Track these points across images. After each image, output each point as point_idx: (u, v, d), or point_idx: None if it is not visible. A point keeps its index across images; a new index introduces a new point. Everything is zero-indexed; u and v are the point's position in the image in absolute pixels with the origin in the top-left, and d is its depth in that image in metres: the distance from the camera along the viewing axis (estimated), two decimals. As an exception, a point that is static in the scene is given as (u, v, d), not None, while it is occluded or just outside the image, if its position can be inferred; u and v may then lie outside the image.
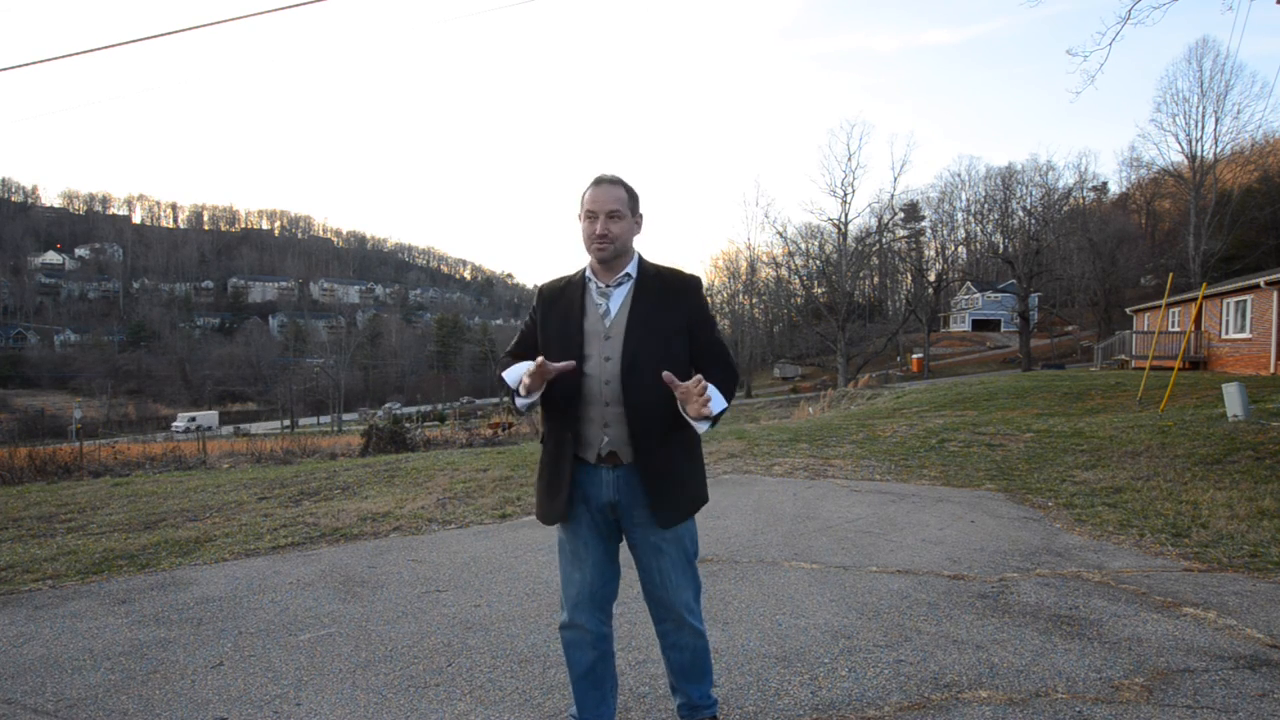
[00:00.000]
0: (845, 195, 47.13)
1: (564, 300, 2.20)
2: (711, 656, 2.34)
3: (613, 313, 2.14)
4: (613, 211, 2.10)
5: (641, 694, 2.68)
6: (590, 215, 2.11)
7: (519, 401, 2.10)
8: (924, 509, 5.76)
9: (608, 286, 2.16)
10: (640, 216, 2.22)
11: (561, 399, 2.12)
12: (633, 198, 2.17)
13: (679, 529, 2.16)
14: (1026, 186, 55.67)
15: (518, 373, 2.11)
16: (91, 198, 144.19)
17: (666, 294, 2.16)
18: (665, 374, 1.96)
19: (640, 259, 2.21)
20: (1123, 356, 25.36)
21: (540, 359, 1.99)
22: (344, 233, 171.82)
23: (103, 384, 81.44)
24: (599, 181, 2.14)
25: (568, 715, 2.45)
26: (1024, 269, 45.34)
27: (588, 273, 2.21)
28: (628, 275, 2.17)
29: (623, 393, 2.08)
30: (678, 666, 2.25)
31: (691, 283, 2.20)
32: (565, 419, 2.13)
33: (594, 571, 2.17)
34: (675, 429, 2.11)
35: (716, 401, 2.02)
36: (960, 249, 71.09)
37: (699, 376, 1.96)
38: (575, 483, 2.14)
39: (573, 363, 2.06)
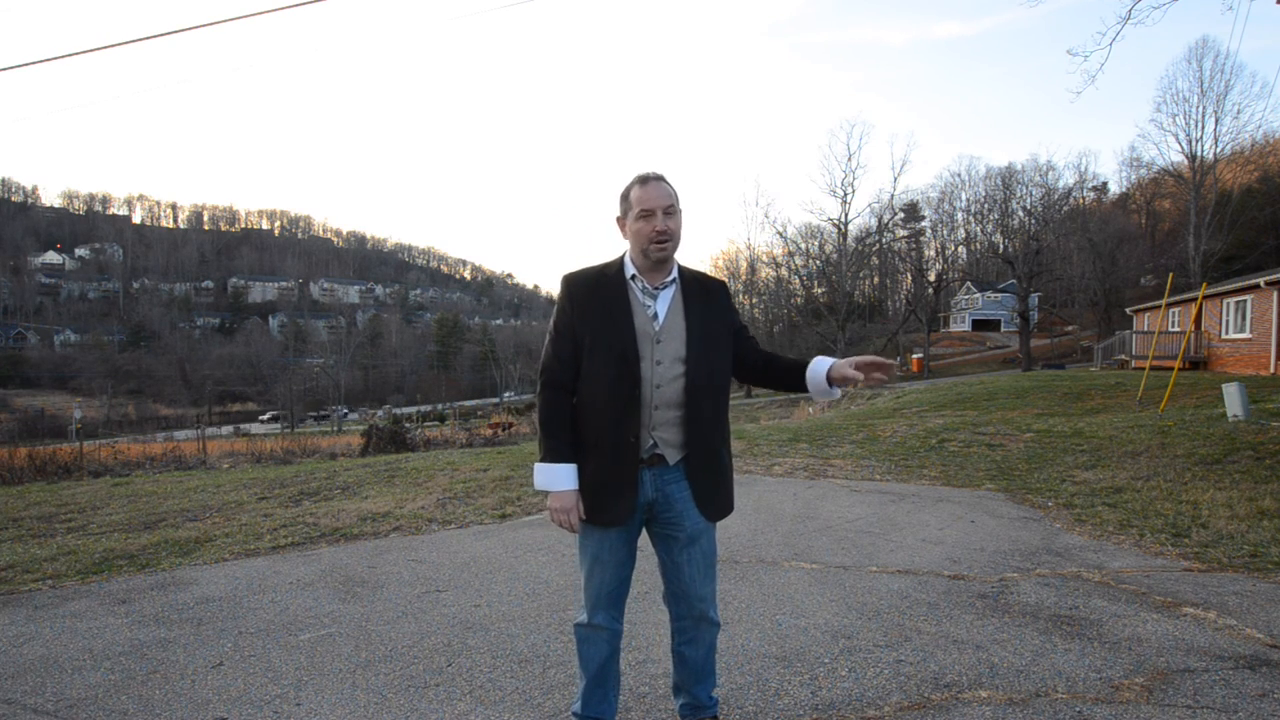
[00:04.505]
0: (845, 195, 47.14)
1: (606, 296, 2.11)
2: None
3: (661, 316, 2.12)
4: (669, 207, 2.08)
5: (641, 694, 2.68)
6: (647, 214, 2.06)
7: (541, 477, 2.11)
8: (924, 509, 5.75)
9: (656, 288, 2.13)
10: (681, 212, 2.20)
11: (615, 401, 2.07)
12: (676, 194, 2.16)
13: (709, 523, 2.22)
14: (1026, 186, 55.64)
15: (562, 478, 2.09)
16: (91, 198, 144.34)
17: (710, 299, 2.20)
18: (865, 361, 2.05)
19: (677, 262, 2.21)
20: (1123, 356, 25.36)
21: (576, 511, 2.09)
22: (344, 233, 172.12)
23: (103, 384, 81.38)
24: (646, 180, 2.10)
25: (570, 713, 2.45)
26: (1024, 269, 45.29)
27: (630, 271, 2.15)
28: (673, 279, 2.16)
29: (684, 399, 2.11)
30: (692, 663, 2.25)
31: (724, 287, 2.29)
32: (626, 422, 2.07)
33: (615, 571, 2.18)
34: (718, 431, 2.20)
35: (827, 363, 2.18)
36: (960, 249, 71.08)
37: (864, 361, 2.06)
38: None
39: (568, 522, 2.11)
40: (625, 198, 2.14)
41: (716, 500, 2.20)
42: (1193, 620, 3.28)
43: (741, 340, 2.27)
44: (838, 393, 2.17)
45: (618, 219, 2.18)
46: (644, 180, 2.10)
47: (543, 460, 2.12)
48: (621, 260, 2.18)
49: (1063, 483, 6.60)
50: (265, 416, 65.19)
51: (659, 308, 2.13)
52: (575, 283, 2.15)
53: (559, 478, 2.09)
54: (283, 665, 3.01)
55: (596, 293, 2.12)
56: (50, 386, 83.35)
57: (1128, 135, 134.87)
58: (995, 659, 2.89)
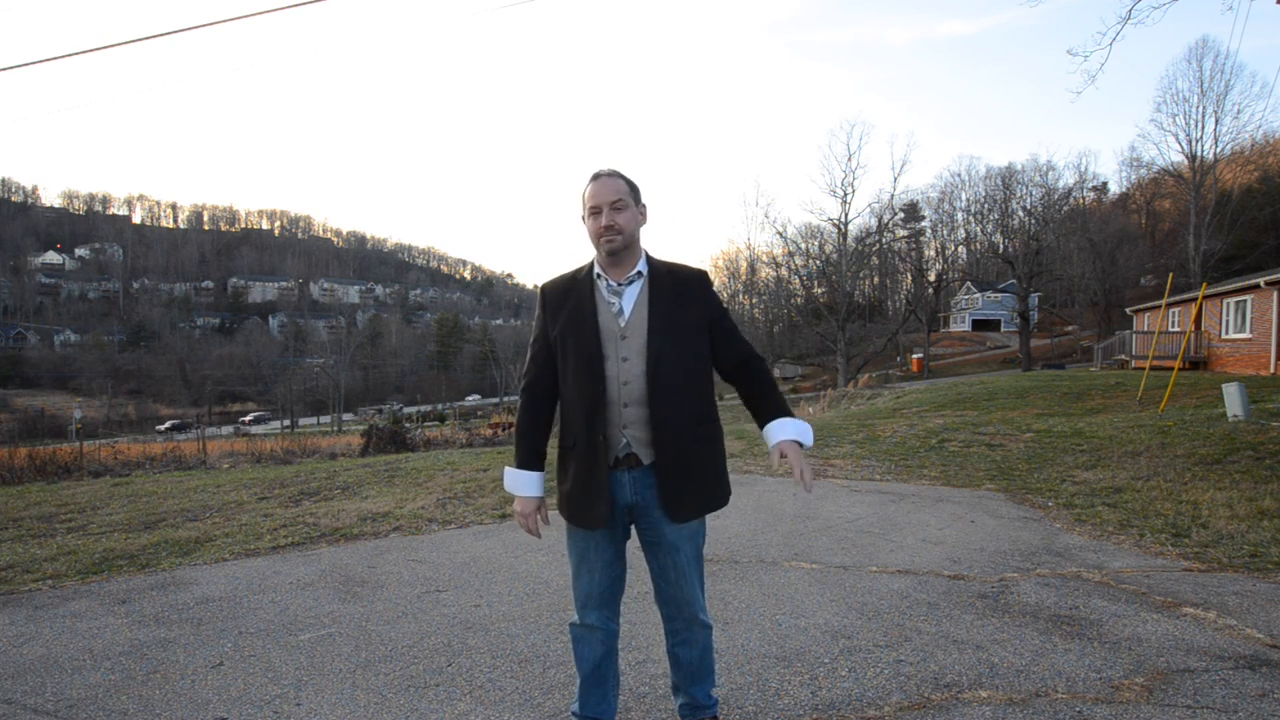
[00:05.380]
0: (845, 195, 47.10)
1: (573, 298, 2.15)
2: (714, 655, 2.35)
3: (627, 312, 2.11)
4: (615, 202, 2.07)
5: (641, 694, 2.68)
6: (594, 211, 2.08)
7: (508, 480, 2.24)
8: (924, 509, 5.75)
9: (620, 284, 2.12)
10: (644, 207, 2.19)
11: (584, 401, 2.09)
12: (633, 189, 2.15)
13: (694, 525, 2.17)
14: (1026, 186, 55.65)
15: (524, 484, 2.20)
16: (91, 198, 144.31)
17: (681, 291, 2.14)
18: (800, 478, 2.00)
19: (648, 255, 2.19)
20: (1123, 356, 25.36)
21: (535, 517, 2.20)
22: (344, 233, 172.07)
23: (103, 384, 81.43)
24: (597, 176, 2.12)
25: (569, 713, 2.45)
26: (1024, 269, 45.31)
27: (596, 270, 2.16)
28: (639, 273, 2.14)
29: (648, 395, 2.07)
30: (687, 664, 2.25)
31: (701, 277, 2.19)
32: (594, 421, 2.07)
33: (603, 572, 2.17)
34: (696, 427, 2.12)
35: (796, 429, 2.09)
36: (960, 249, 71.07)
37: (798, 467, 2.01)
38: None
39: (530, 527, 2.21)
40: (581, 196, 2.14)
41: (684, 499, 2.10)
42: (1193, 620, 3.28)
43: (718, 332, 2.18)
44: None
45: (582, 218, 2.19)
46: (595, 177, 2.12)
47: (512, 465, 2.23)
48: (592, 262, 2.20)
49: (1063, 483, 6.60)
50: (165, 426, 55.11)
51: (624, 304, 2.12)
52: (548, 289, 2.21)
53: (521, 483, 2.20)
54: (283, 665, 3.01)
55: (566, 296, 2.16)
56: (50, 386, 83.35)
57: (1128, 135, 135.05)
58: (995, 659, 2.89)
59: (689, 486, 2.10)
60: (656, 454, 2.08)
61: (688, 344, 2.11)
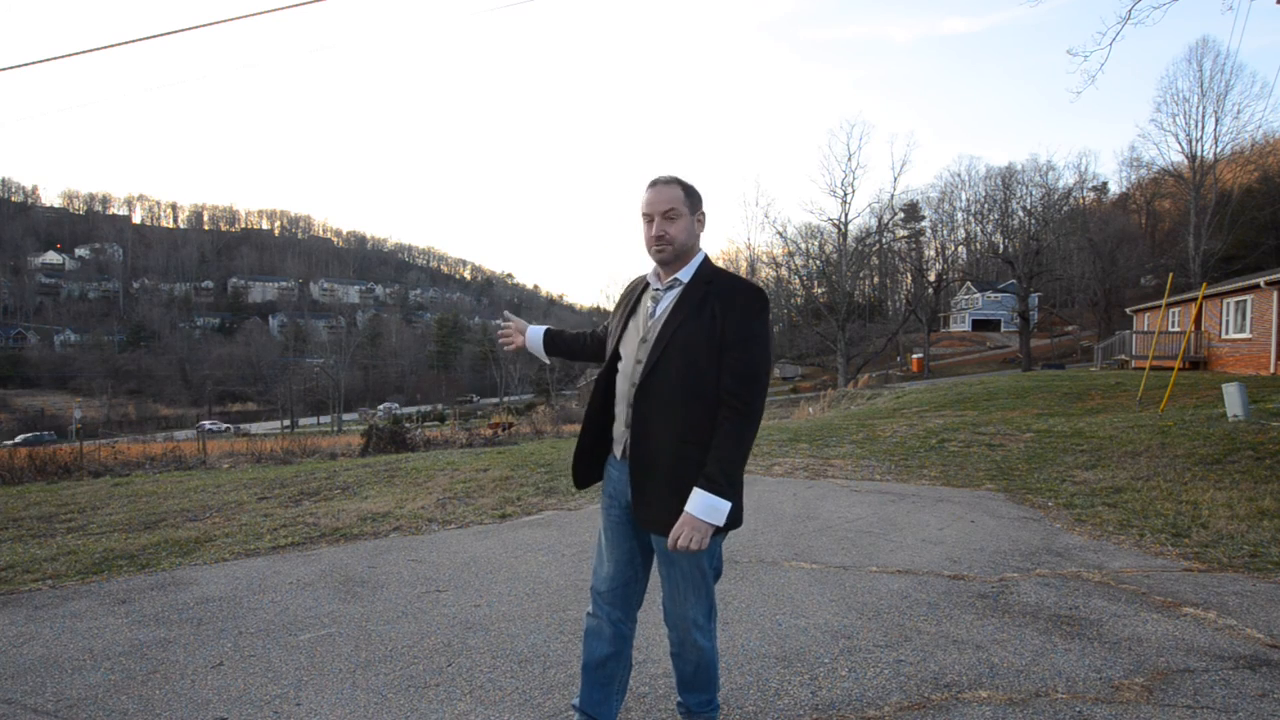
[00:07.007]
0: (845, 195, 47.06)
1: (628, 297, 2.30)
2: (719, 666, 2.32)
3: (655, 316, 2.14)
4: (668, 211, 2.08)
5: (641, 694, 2.68)
6: (647, 218, 2.10)
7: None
8: (924, 509, 5.76)
9: (660, 290, 2.17)
10: (702, 215, 2.17)
11: (599, 386, 2.23)
12: (691, 196, 2.12)
13: None
14: (1026, 186, 55.67)
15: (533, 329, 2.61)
16: (91, 198, 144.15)
17: (708, 303, 2.03)
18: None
19: (702, 263, 2.15)
20: (1123, 356, 25.36)
21: (516, 340, 2.60)
22: (344, 233, 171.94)
23: (103, 384, 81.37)
24: (654, 183, 2.12)
25: (570, 706, 2.45)
26: (1024, 269, 45.30)
27: (651, 272, 2.24)
28: (677, 280, 2.13)
29: (634, 397, 2.08)
30: (679, 674, 2.26)
31: (741, 293, 2.03)
32: (603, 409, 2.21)
33: (616, 567, 2.19)
34: (680, 445, 2.00)
35: (705, 506, 1.90)
36: (960, 249, 71.12)
37: (677, 532, 1.90)
38: (604, 471, 2.26)
39: (506, 334, 2.61)
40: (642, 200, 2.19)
41: (653, 506, 2.01)
42: (1193, 620, 3.28)
43: (723, 359, 1.99)
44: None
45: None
46: (652, 183, 2.13)
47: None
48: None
49: (1063, 483, 6.60)
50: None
51: (658, 309, 2.15)
52: (626, 287, 2.40)
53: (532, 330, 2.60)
54: (283, 665, 3.01)
55: (630, 295, 2.31)
56: (50, 386, 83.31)
57: (1128, 135, 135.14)
58: (995, 659, 2.89)
59: (659, 501, 2.01)
60: (630, 457, 2.09)
61: (691, 358, 1.99)
